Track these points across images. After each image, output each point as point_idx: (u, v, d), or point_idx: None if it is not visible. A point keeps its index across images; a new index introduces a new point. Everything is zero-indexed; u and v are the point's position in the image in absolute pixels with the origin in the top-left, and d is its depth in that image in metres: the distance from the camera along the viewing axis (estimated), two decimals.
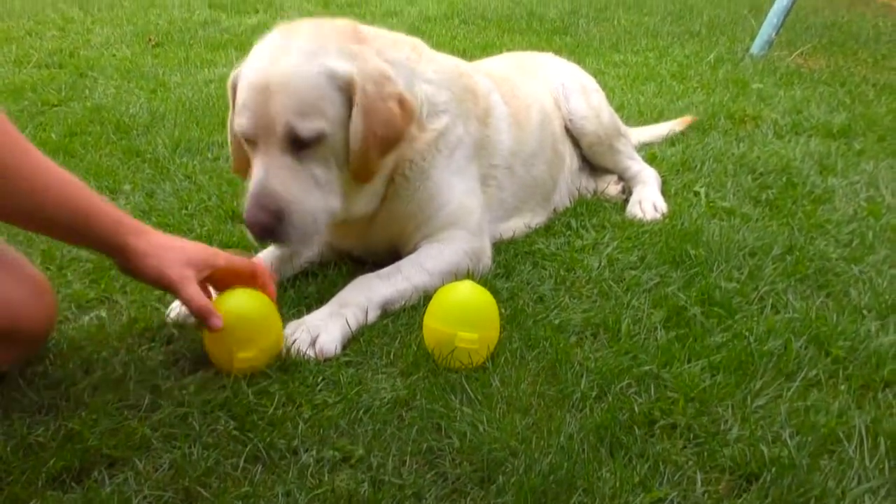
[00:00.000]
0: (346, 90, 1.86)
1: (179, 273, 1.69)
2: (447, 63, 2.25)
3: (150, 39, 5.04)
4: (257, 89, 1.84)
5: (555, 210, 2.62)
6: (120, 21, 5.65)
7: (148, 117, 3.43)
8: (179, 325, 1.90)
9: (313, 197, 1.88)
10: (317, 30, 1.93)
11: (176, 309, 1.94)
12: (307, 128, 1.83)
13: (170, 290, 1.71)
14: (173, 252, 1.71)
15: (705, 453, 1.50)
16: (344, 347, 1.82)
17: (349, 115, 1.87)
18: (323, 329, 1.82)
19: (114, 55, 4.64)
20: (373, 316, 1.93)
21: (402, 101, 1.95)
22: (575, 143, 2.79)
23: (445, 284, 1.92)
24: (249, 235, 1.89)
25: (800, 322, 1.91)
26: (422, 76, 2.11)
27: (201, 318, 1.70)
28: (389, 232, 2.15)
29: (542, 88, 2.73)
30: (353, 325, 1.87)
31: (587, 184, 2.80)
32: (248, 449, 1.49)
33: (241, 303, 1.77)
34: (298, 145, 1.85)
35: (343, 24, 2.01)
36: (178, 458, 1.47)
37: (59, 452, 1.46)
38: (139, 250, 1.66)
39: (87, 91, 3.86)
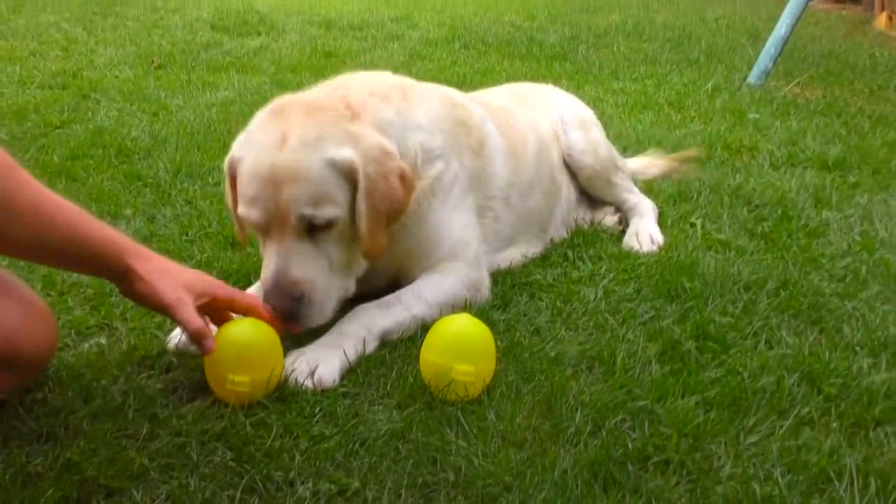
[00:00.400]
0: (349, 175, 1.90)
1: (176, 296, 1.71)
2: (438, 99, 2.29)
3: (152, 61, 5.07)
4: (265, 182, 1.87)
5: (551, 240, 2.65)
6: (123, 42, 5.70)
7: (150, 141, 3.45)
8: (179, 353, 1.92)
9: (330, 280, 1.94)
10: (309, 115, 1.95)
11: (176, 337, 1.95)
12: (321, 216, 1.88)
13: (166, 312, 1.73)
14: (171, 276, 1.73)
15: (698, 490, 1.52)
16: (342, 378, 1.84)
17: (352, 198, 1.92)
18: (322, 360, 1.84)
19: (116, 76, 4.67)
20: (371, 347, 1.95)
21: (402, 177, 1.98)
22: (573, 176, 2.81)
23: (443, 316, 1.94)
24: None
25: (793, 358, 1.93)
26: (414, 124, 2.14)
27: (196, 341, 1.72)
28: (388, 269, 2.17)
29: (541, 118, 2.76)
30: (352, 356, 1.89)
31: (584, 215, 2.83)
32: (244, 481, 1.50)
33: (242, 329, 1.80)
34: (312, 229, 1.90)
35: (332, 101, 2.03)
36: (175, 489, 1.48)
37: (57, 482, 1.47)
38: (138, 274, 1.68)
39: (89, 113, 3.89)
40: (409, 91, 2.23)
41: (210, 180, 3.04)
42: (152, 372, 1.85)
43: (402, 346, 1.98)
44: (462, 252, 2.20)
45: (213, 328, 1.82)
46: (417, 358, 1.84)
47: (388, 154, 1.98)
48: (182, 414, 1.69)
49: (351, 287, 2.02)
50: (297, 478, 1.52)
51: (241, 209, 1.93)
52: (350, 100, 2.05)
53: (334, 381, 1.81)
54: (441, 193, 2.18)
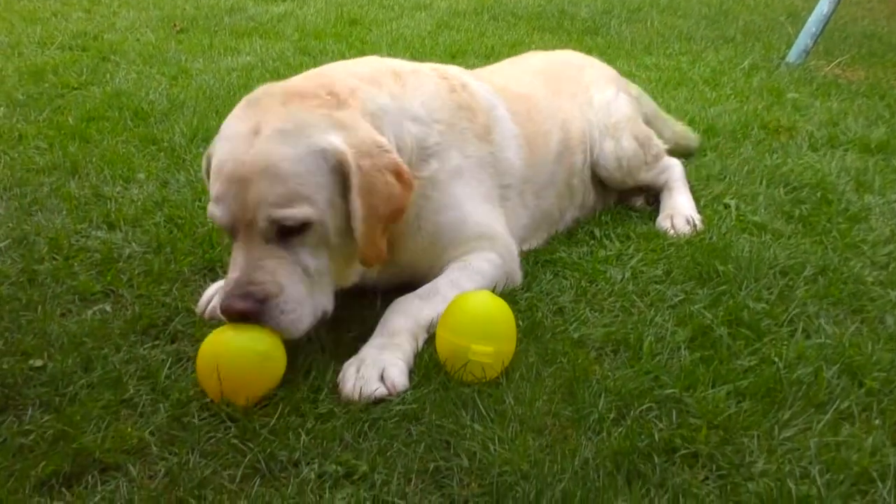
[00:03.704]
0: (339, 169, 1.69)
1: None
2: (434, 85, 2.09)
3: (174, 25, 4.99)
4: (232, 179, 1.66)
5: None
6: (146, 5, 5.61)
7: (167, 104, 3.37)
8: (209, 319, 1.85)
9: (303, 289, 1.69)
10: (286, 103, 1.74)
11: (205, 304, 1.88)
12: (292, 217, 1.65)
13: None
14: None
15: (728, 487, 1.42)
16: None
17: (341, 196, 1.70)
18: (388, 362, 1.68)
19: (138, 39, 4.59)
20: (422, 340, 1.80)
21: (398, 173, 1.76)
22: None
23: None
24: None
25: (832, 349, 1.82)
26: (409, 113, 1.96)
27: None
28: (407, 268, 1.99)
29: (571, 112, 2.53)
30: (411, 353, 1.75)
31: (598, 205, 2.64)
32: (247, 459, 1.43)
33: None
34: (284, 233, 1.67)
35: (313, 87, 1.81)
36: (174, 466, 1.41)
37: (50, 455, 1.40)
38: None
39: (108, 75, 3.82)
40: (403, 75, 2.04)
41: None
42: (157, 342, 1.78)
43: None
44: (489, 237, 2.04)
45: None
46: (434, 334, 1.75)
47: (383, 148, 1.76)
48: (185, 387, 1.62)
49: (327, 308, 1.76)
50: (303, 458, 1.45)
51: (211, 210, 1.71)
52: (335, 87, 1.83)
53: (405, 382, 1.66)
54: (435, 192, 1.98)
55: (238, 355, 1.59)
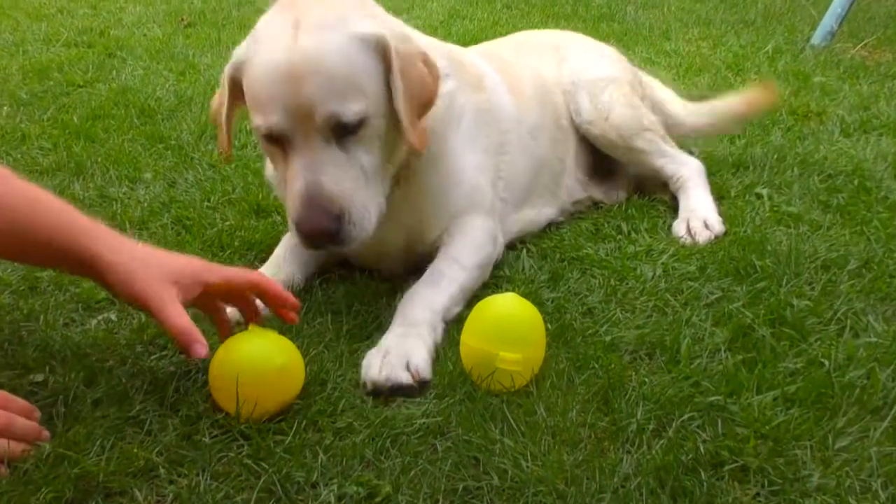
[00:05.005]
0: (381, 54, 1.68)
1: (157, 291, 1.47)
2: (427, 37, 2.08)
3: (182, 19, 4.90)
4: (283, 78, 1.62)
5: (566, 210, 2.40)
6: (153, 0, 5.52)
7: (175, 101, 3.28)
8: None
9: (367, 192, 1.72)
10: (323, 2, 1.74)
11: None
12: (351, 111, 1.65)
13: (146, 309, 1.51)
14: (151, 267, 1.50)
15: None
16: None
17: (383, 88, 1.70)
18: (411, 351, 1.62)
19: (144, 35, 4.51)
20: (440, 329, 1.75)
21: (426, 61, 1.79)
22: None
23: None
24: (299, 241, 1.73)
25: (884, 349, 1.70)
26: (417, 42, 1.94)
27: (182, 346, 1.48)
28: (404, 222, 1.94)
29: (543, 65, 2.48)
30: (432, 344, 1.69)
31: (593, 192, 2.51)
32: (261, 482, 1.33)
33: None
34: (341, 132, 1.67)
35: None
36: (184, 490, 1.31)
37: (51, 480, 1.30)
38: (111, 264, 1.48)
39: (114, 72, 3.73)
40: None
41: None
42: (164, 353, 1.68)
43: None
44: (479, 200, 2.01)
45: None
46: (458, 342, 1.64)
47: (410, 38, 1.80)
48: (195, 401, 1.52)
49: (383, 201, 1.79)
50: (321, 479, 1.35)
51: (258, 120, 1.68)
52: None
53: (429, 373, 1.61)
54: (455, 118, 1.98)
55: (256, 367, 1.49)
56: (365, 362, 1.61)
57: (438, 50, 2.00)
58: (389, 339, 1.67)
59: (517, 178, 2.19)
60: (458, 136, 2.00)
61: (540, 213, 2.29)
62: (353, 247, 1.74)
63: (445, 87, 1.92)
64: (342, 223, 1.66)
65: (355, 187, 1.69)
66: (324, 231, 1.66)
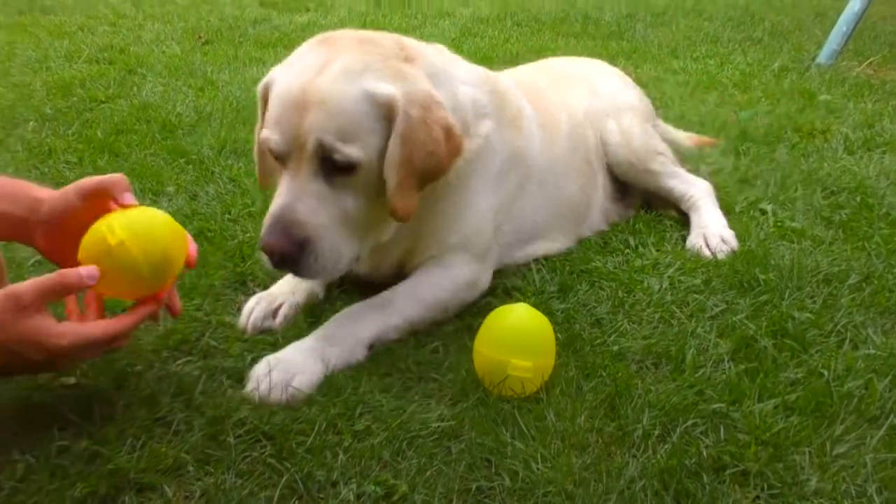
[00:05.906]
0: (387, 115, 1.71)
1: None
2: (473, 66, 2.12)
3: (199, 37, 5.00)
4: (292, 104, 1.70)
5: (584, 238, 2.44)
6: (171, 17, 5.64)
7: (195, 116, 3.37)
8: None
9: (342, 234, 1.73)
10: (361, 45, 1.78)
11: (247, 316, 1.87)
12: (343, 151, 1.68)
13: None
14: None
15: None
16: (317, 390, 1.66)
17: (384, 146, 1.72)
18: (300, 369, 1.65)
19: (163, 52, 4.60)
20: (360, 356, 1.76)
21: (448, 132, 1.78)
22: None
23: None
24: (265, 261, 1.73)
25: (882, 360, 1.76)
26: (458, 79, 1.97)
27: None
28: (401, 248, 1.98)
29: (571, 93, 2.55)
30: (338, 366, 1.71)
31: (619, 211, 2.60)
32: (284, 480, 1.40)
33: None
34: (331, 170, 1.70)
35: (390, 40, 1.86)
36: (211, 487, 1.38)
37: (86, 476, 1.37)
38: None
39: (135, 88, 3.82)
40: (444, 51, 2.06)
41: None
42: (190, 357, 1.75)
43: (455, 335, 1.86)
44: (474, 242, 2.00)
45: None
46: (471, 349, 1.71)
47: (438, 104, 1.78)
48: (220, 403, 1.59)
49: (358, 254, 1.80)
50: (341, 478, 1.41)
51: (264, 132, 1.76)
52: (405, 44, 1.88)
53: (308, 391, 1.63)
54: (484, 162, 1.99)
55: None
56: (257, 366, 1.65)
57: (484, 85, 2.05)
58: (290, 350, 1.71)
59: (532, 216, 2.23)
60: (484, 176, 2.02)
61: (551, 247, 2.32)
62: (318, 280, 1.74)
63: (483, 127, 1.98)
64: (304, 252, 1.67)
65: (329, 224, 1.70)
66: (283, 253, 1.67)
